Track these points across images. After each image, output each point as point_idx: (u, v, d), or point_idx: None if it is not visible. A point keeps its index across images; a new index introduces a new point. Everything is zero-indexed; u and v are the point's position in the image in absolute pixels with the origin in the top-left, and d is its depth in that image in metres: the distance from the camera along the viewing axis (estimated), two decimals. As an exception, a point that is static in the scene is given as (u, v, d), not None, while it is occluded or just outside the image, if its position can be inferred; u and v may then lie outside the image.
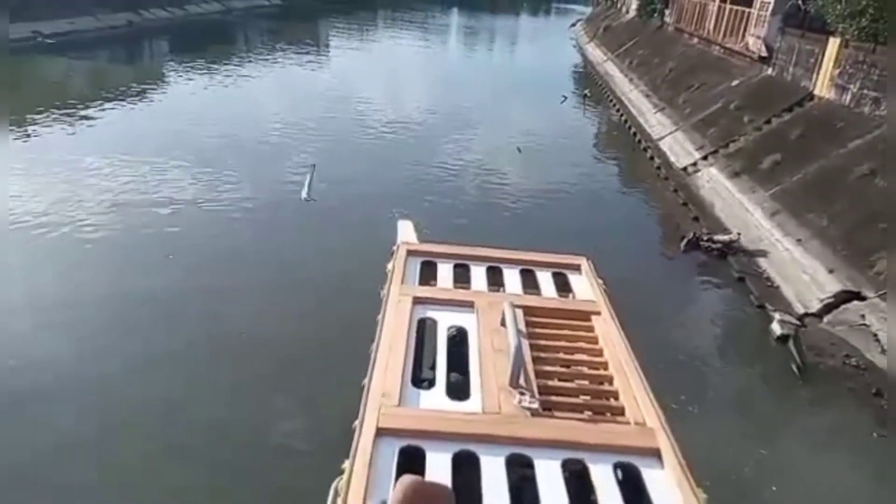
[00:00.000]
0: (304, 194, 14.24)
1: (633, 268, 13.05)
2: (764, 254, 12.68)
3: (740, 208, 14.81)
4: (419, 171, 18.20)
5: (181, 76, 30.40)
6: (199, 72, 31.19)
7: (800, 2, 20.48)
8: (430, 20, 70.87)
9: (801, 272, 11.58)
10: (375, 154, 19.82)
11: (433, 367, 3.70)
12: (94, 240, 12.23)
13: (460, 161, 19.59)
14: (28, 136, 18.74)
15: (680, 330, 11.03)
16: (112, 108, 22.84)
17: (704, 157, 18.23)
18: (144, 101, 24.82)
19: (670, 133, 21.77)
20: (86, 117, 21.38)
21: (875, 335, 9.49)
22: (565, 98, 30.77)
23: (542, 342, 3.93)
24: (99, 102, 23.19)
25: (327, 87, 30.60)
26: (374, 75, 35.51)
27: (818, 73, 17.36)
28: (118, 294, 10.24)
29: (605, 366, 3.80)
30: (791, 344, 9.83)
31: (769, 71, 20.61)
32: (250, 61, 35.55)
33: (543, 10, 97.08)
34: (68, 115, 21.34)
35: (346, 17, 63.04)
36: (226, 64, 33.73)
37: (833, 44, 16.79)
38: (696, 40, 29.63)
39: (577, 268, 5.10)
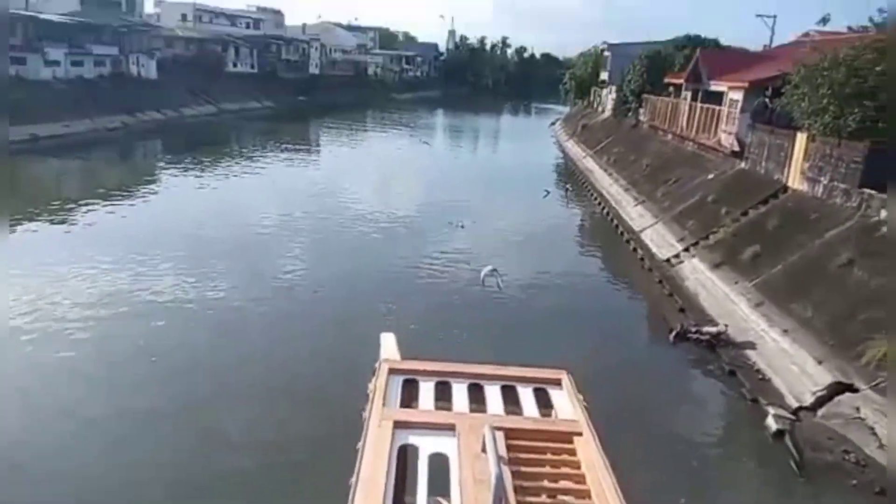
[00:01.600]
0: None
1: (625, 361, 12.97)
2: (752, 345, 12.63)
3: (725, 299, 14.91)
4: (406, 269, 18.27)
5: (173, 176, 31.09)
6: (191, 171, 31.95)
7: (766, 100, 21.67)
8: (417, 121, 73.97)
9: (791, 363, 11.49)
10: (362, 252, 19.97)
11: (414, 497, 3.60)
12: (79, 341, 12.02)
13: (447, 256, 19.76)
14: (19, 235, 18.84)
15: (675, 426, 10.78)
16: (100, 208, 23.09)
17: (686, 249, 18.55)
18: (134, 201, 25.19)
19: (651, 225, 22.27)
20: (73, 218, 21.59)
21: (872, 429, 9.29)
22: (548, 193, 31.63)
23: (524, 469, 3.86)
24: (87, 202, 23.49)
25: (316, 187, 31.29)
26: (362, 174, 36.54)
27: (789, 167, 18.09)
28: (100, 404, 9.93)
29: (587, 494, 3.72)
30: (788, 439, 9.57)
31: (742, 165, 21.46)
32: (241, 161, 36.55)
33: (524, 110, 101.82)
34: (56, 215, 21.57)
35: (336, 118, 65.66)
36: (217, 164, 34.64)
37: (801, 139, 17.63)
38: (670, 137, 31.00)
39: (557, 382, 5.09)
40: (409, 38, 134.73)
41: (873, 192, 14.01)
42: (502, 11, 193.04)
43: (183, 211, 24.15)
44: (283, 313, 14.33)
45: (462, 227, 22.44)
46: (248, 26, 79.56)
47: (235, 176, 32.58)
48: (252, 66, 73.33)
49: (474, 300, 15.94)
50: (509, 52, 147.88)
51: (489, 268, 15.24)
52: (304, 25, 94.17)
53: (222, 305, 14.38)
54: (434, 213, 25.88)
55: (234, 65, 69.96)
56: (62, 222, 20.93)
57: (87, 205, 23.13)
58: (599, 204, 28.92)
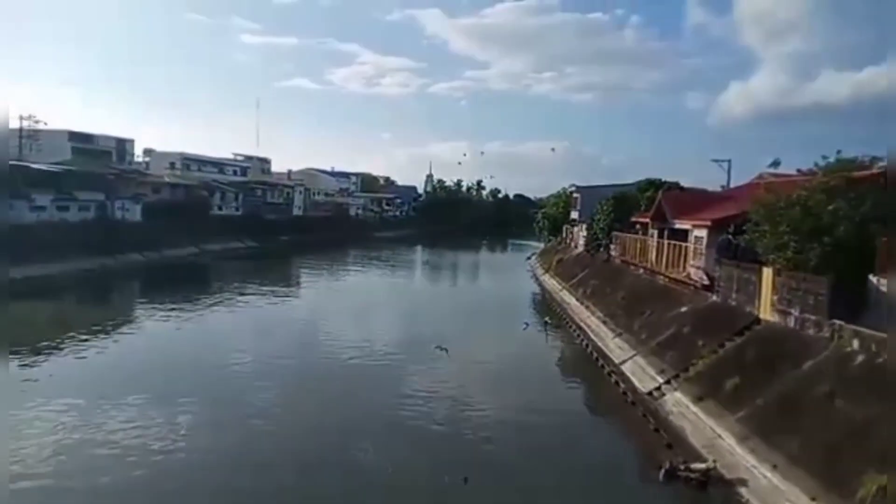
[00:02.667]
0: None
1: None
2: (744, 482, 12.19)
3: (711, 434, 14.59)
4: (385, 407, 17.82)
5: (150, 317, 30.75)
6: (168, 312, 31.65)
7: (730, 237, 22.73)
8: (397, 257, 75.59)
9: (784, 500, 11.06)
10: (340, 390, 19.52)
11: None
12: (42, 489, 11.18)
13: (428, 392, 19.35)
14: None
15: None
16: (70, 351, 22.55)
17: (667, 381, 18.44)
18: (106, 343, 24.66)
19: (631, 357, 22.26)
20: (41, 361, 20.96)
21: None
22: (527, 325, 31.80)
23: None
24: (56, 345, 22.97)
25: (295, 323, 31.17)
26: (341, 310, 36.59)
27: (759, 299, 18.60)
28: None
29: None
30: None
31: (714, 298, 22.02)
32: (221, 301, 36.45)
33: (500, 246, 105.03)
34: (25, 358, 20.93)
35: (316, 256, 66.82)
36: (196, 303, 34.47)
37: (767, 273, 18.31)
38: (641, 271, 31.97)
39: None
40: (389, 182, 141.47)
41: (843, 323, 14.38)
42: (478, 156, 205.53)
43: (157, 352, 23.61)
44: (250, 461, 13.63)
45: (445, 350, 22.28)
46: (235, 173, 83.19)
47: (213, 314, 32.34)
48: (237, 209, 75.63)
49: (454, 441, 15.44)
50: (484, 193, 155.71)
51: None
52: (290, 171, 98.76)
53: (183, 458, 13.65)
54: (414, 349, 25.65)
55: (220, 208, 72.10)
56: (28, 366, 20.25)
57: (48, 348, 22.56)
58: (578, 336, 29.02)
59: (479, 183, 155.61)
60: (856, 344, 13.68)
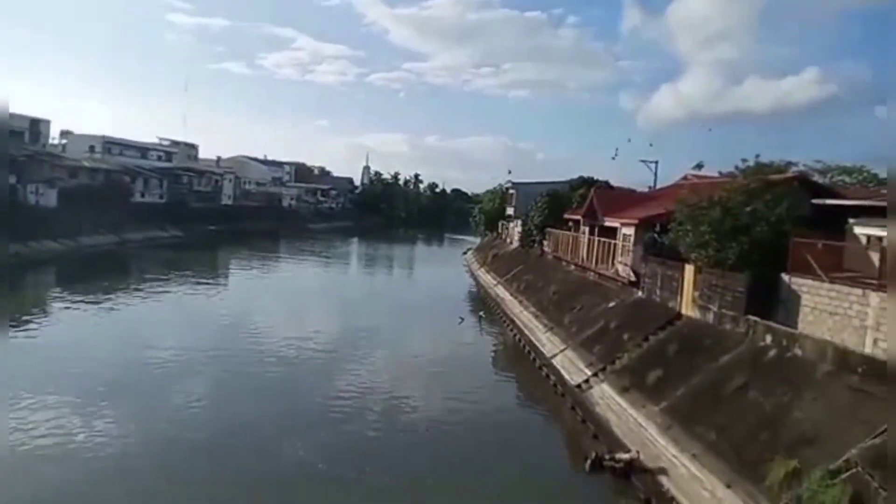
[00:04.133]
0: None
1: (546, 498, 12.68)
2: (664, 471, 12.71)
3: (635, 424, 15.15)
4: (315, 404, 17.57)
5: (64, 310, 28.97)
6: (85, 304, 29.92)
7: (655, 235, 23.63)
8: (332, 249, 74.47)
9: (702, 489, 11.61)
10: (269, 387, 19.04)
11: None
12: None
13: (361, 389, 19.17)
14: None
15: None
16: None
17: (595, 374, 19.01)
18: (17, 338, 23.10)
19: (561, 351, 22.81)
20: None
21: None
22: (462, 320, 32.03)
23: None
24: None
25: (221, 317, 30.15)
26: (271, 302, 35.69)
27: (682, 295, 19.44)
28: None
29: None
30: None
31: (640, 293, 22.84)
32: (142, 293, 34.81)
33: (437, 240, 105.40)
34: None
35: (246, 247, 64.92)
36: (115, 296, 32.78)
37: (689, 270, 19.14)
38: (573, 267, 32.79)
39: None
40: (325, 172, 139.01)
41: (758, 319, 15.21)
42: (415, 149, 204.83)
43: (70, 346, 22.28)
44: (170, 461, 13.11)
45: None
46: (159, 158, 79.48)
47: (133, 307, 30.87)
48: (161, 197, 72.39)
49: (385, 437, 15.38)
50: (422, 186, 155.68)
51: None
52: (219, 158, 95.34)
53: (99, 460, 12.97)
54: (347, 343, 25.35)
55: (142, 195, 68.80)
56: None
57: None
58: (511, 330, 29.48)
59: (416, 176, 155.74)
60: (769, 339, 14.51)
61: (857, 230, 16.77)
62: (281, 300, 36.74)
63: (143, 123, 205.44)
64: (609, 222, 29.44)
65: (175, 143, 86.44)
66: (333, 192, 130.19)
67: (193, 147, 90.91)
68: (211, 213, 77.84)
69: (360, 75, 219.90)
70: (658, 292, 21.24)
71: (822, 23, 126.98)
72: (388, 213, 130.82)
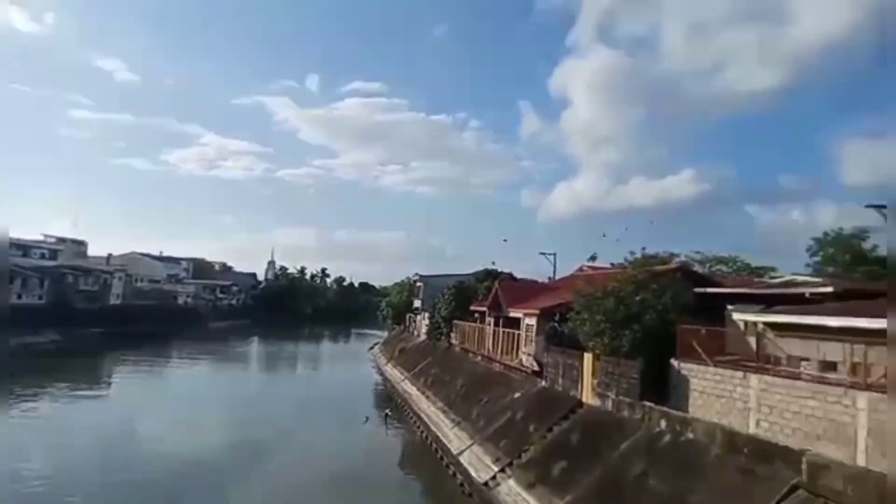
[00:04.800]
0: None
1: None
2: (573, 570, 12.29)
3: (543, 521, 14.73)
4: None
5: None
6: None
7: (556, 324, 24.22)
8: (229, 349, 70.63)
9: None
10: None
11: None
12: None
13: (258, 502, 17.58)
14: None
15: None
16: None
17: (502, 470, 18.53)
18: None
19: (468, 447, 22.21)
20: None
21: None
22: (367, 419, 30.78)
23: None
24: None
25: (95, 430, 27.16)
26: (158, 410, 32.72)
27: (582, 383, 19.73)
28: None
29: None
30: None
31: (543, 383, 23.00)
32: (12, 403, 30.98)
33: (343, 336, 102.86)
34: None
35: (135, 350, 60.12)
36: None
37: (588, 358, 19.58)
38: (479, 358, 32.79)
39: None
40: (226, 268, 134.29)
41: (652, 404, 15.60)
42: (325, 243, 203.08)
43: None
44: None
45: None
46: (43, 256, 73.95)
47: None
48: (40, 297, 66.66)
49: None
50: (329, 281, 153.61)
51: None
52: (110, 255, 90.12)
53: None
54: (239, 454, 23.43)
55: (19, 297, 62.97)
56: None
57: None
58: (418, 427, 28.56)
59: (323, 270, 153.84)
60: (663, 424, 14.84)
61: (736, 316, 17.95)
62: (165, 410, 33.57)
63: (36, 220, 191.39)
64: (513, 313, 29.97)
65: (61, 240, 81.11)
66: (235, 289, 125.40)
67: (82, 244, 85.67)
68: (98, 314, 72.28)
69: (268, 170, 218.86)
70: (560, 381, 21.48)
71: (695, 129, 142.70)
72: (294, 309, 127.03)
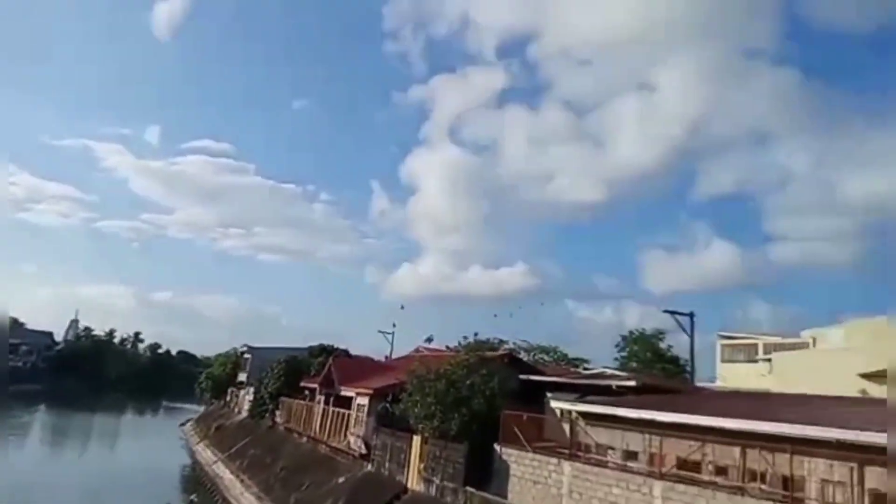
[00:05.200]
0: None
1: None
2: None
3: None
4: None
5: None
6: None
7: (388, 405, 23.99)
8: (8, 420, 60.05)
9: None
10: None
11: None
12: None
13: None
14: None
15: None
16: None
17: (319, 562, 17.45)
18: None
19: (284, 537, 20.70)
20: None
21: None
22: (169, 507, 27.54)
23: None
24: None
25: None
26: None
27: (408, 468, 19.55)
28: None
29: None
30: None
31: (369, 467, 22.40)
32: None
33: (151, 408, 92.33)
34: None
35: None
36: None
37: (416, 441, 19.54)
38: (305, 439, 31.22)
39: None
40: (17, 324, 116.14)
41: (474, 490, 15.85)
42: (143, 304, 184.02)
43: None
44: None
45: None
46: None
47: None
48: None
49: None
50: (142, 346, 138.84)
51: None
52: None
53: None
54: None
55: None
56: None
57: None
58: (229, 517, 26.10)
59: (136, 335, 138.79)
60: (484, 510, 15.08)
61: (553, 404, 19.16)
62: None
63: None
64: (345, 391, 29.20)
65: None
66: (24, 349, 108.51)
67: None
68: None
69: (87, 220, 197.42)
70: (387, 465, 21.09)
71: (530, 227, 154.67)
72: (95, 375, 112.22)
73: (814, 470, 10.98)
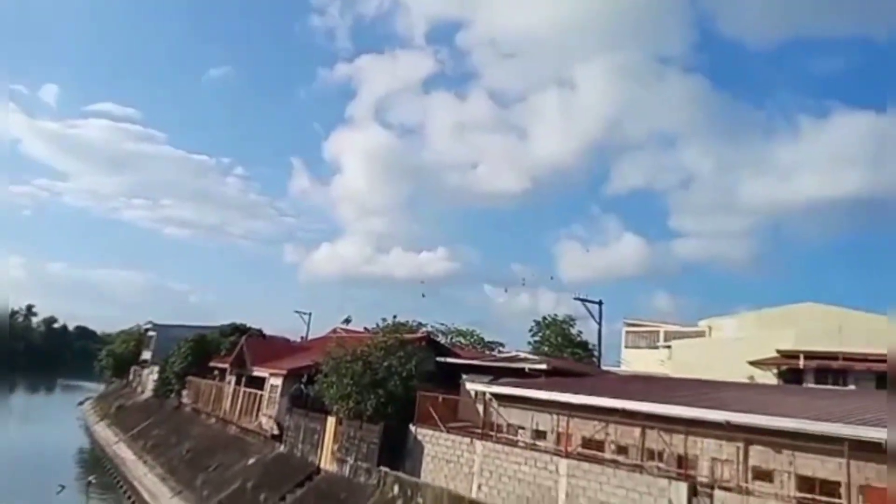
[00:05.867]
0: None
1: None
2: None
3: None
4: None
5: None
6: None
7: (302, 386, 23.68)
8: None
9: None
10: None
11: None
12: None
13: None
14: None
15: None
16: None
17: (226, 544, 17.12)
18: None
19: (189, 520, 20.13)
20: None
21: None
22: (63, 488, 25.97)
23: None
24: None
25: None
26: None
27: (322, 448, 19.45)
28: None
29: None
30: None
31: (281, 448, 22.10)
32: None
33: (46, 386, 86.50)
34: None
35: None
36: None
37: (331, 422, 19.45)
38: (213, 420, 30.31)
39: None
40: None
41: (388, 469, 16.01)
42: (35, 276, 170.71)
43: None
44: None
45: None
46: None
47: None
48: None
49: None
50: (35, 320, 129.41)
51: None
52: None
53: None
54: None
55: None
56: None
57: None
58: (130, 498, 25.01)
59: (29, 307, 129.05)
60: (396, 489, 15.30)
61: (468, 385, 19.60)
62: None
63: None
64: (258, 372, 28.52)
65: None
66: None
67: None
68: None
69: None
70: (300, 446, 20.88)
71: (452, 213, 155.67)
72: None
73: (706, 449, 11.88)
